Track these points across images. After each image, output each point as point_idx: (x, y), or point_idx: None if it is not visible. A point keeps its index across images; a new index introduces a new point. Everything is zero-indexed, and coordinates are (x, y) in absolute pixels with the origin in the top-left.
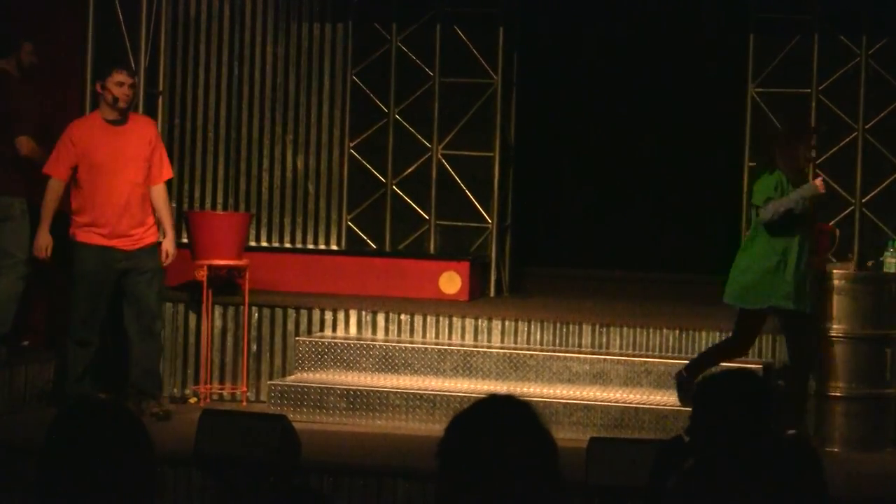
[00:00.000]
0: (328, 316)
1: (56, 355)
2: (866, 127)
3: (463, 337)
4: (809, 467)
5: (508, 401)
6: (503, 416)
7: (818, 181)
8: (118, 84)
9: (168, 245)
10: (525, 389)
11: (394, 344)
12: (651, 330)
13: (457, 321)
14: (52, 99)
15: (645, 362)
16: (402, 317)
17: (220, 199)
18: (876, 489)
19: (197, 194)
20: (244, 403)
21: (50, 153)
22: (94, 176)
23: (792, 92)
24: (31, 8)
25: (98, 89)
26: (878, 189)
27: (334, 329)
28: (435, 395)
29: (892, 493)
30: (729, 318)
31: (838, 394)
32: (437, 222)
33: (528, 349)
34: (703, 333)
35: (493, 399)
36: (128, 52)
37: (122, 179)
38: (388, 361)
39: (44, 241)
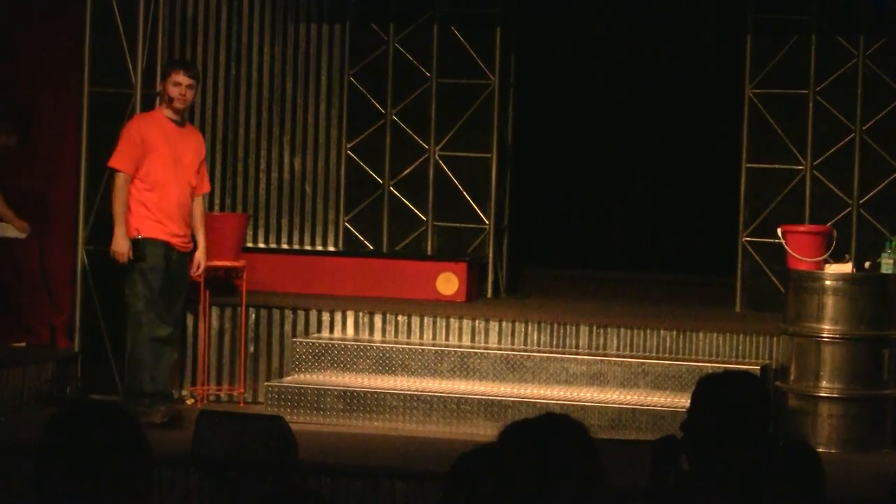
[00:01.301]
0: (325, 317)
1: (54, 356)
2: (864, 128)
3: (460, 338)
4: (809, 469)
5: (564, 420)
6: (558, 434)
7: None
8: (174, 84)
9: (201, 256)
10: (522, 390)
11: (391, 345)
12: (648, 331)
13: (454, 322)
14: (51, 99)
15: (642, 363)
16: (400, 318)
17: (217, 200)
18: (874, 490)
19: None
20: (241, 404)
21: None
22: (160, 170)
23: (789, 93)
24: (29, 8)
25: (160, 88)
26: (876, 190)
27: (331, 330)
28: (432, 397)
29: (890, 494)
30: (726, 320)
31: (836, 395)
32: (435, 223)
33: (526, 350)
34: (701, 335)
35: (550, 417)
36: (125, 52)
37: (182, 179)
38: (386, 362)
39: (126, 245)
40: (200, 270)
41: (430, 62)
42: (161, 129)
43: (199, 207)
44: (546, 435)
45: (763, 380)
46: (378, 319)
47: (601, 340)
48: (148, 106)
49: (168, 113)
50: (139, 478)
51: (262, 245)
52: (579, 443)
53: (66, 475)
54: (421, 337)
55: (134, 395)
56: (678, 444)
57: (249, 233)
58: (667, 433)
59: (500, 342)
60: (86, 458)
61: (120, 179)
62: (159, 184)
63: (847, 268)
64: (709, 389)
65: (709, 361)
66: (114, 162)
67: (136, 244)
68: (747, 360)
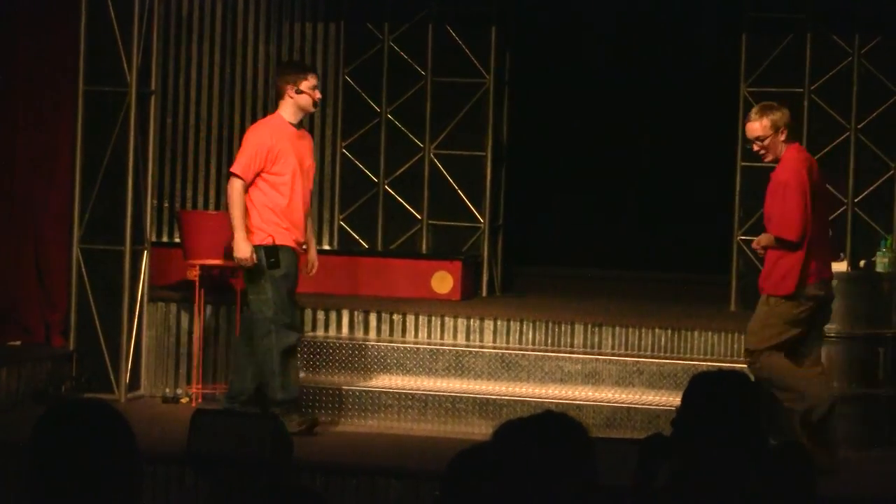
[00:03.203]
0: (320, 315)
1: (49, 354)
2: (859, 126)
3: (455, 337)
4: (800, 468)
5: (563, 418)
6: (556, 432)
7: None
8: (313, 88)
9: (314, 256)
10: (517, 389)
11: (386, 344)
12: (643, 330)
13: (449, 321)
14: (47, 98)
15: (637, 362)
16: (395, 316)
17: (212, 199)
18: (869, 489)
19: (189, 194)
20: None
21: None
22: (290, 178)
23: (784, 91)
24: (25, 8)
25: (291, 94)
26: (871, 188)
27: (326, 329)
28: (427, 395)
29: (884, 492)
30: (720, 318)
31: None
32: (429, 222)
33: (521, 349)
34: (696, 333)
35: (548, 415)
36: (120, 51)
37: (306, 184)
38: (380, 361)
39: (249, 250)
40: (314, 271)
41: (424, 61)
42: (287, 136)
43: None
44: (544, 433)
45: (756, 381)
46: (373, 318)
47: (596, 339)
48: (142, 104)
49: (291, 118)
50: (128, 475)
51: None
52: (577, 442)
53: (55, 472)
54: (416, 335)
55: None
56: (666, 442)
57: None
58: (651, 433)
59: (494, 341)
60: (74, 455)
61: (238, 185)
62: (289, 191)
63: (842, 266)
64: (701, 388)
65: (703, 360)
66: (236, 168)
67: (271, 251)
68: (742, 358)
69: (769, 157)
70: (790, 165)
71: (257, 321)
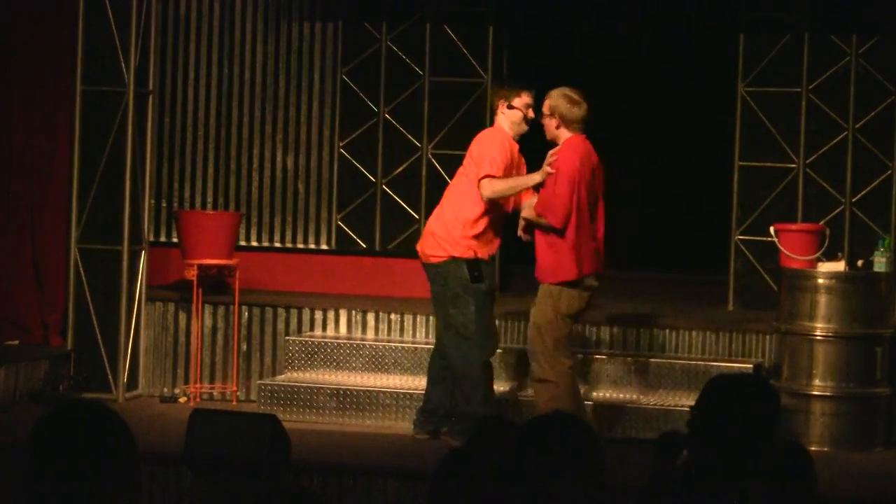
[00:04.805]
0: (318, 315)
1: (47, 354)
2: (856, 126)
3: None
4: (801, 469)
5: (571, 420)
6: (563, 435)
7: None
8: (526, 106)
9: None
10: (515, 388)
11: (384, 343)
12: (641, 329)
13: None
14: (44, 98)
15: (635, 362)
16: (392, 316)
17: (209, 199)
18: (865, 489)
19: (187, 194)
20: (234, 403)
21: None
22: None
23: (782, 91)
24: (22, 7)
25: (503, 110)
26: (869, 188)
27: (324, 328)
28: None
29: (882, 492)
30: (718, 318)
31: (828, 393)
32: None
33: (518, 348)
34: (693, 333)
35: (557, 416)
36: (118, 51)
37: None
38: (378, 361)
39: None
40: None
41: (422, 60)
42: (512, 147)
43: None
44: (553, 434)
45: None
46: (371, 318)
47: (593, 339)
48: (140, 104)
49: (510, 131)
50: (126, 476)
51: (254, 243)
52: (585, 443)
53: (55, 473)
54: (414, 335)
55: (464, 417)
56: (682, 440)
57: (242, 231)
58: (667, 429)
59: None
60: (73, 456)
61: (493, 180)
62: (505, 203)
63: (840, 266)
64: (718, 389)
65: (701, 360)
66: (485, 170)
67: (474, 264)
68: (740, 358)
69: (548, 136)
70: (565, 153)
71: (460, 338)
